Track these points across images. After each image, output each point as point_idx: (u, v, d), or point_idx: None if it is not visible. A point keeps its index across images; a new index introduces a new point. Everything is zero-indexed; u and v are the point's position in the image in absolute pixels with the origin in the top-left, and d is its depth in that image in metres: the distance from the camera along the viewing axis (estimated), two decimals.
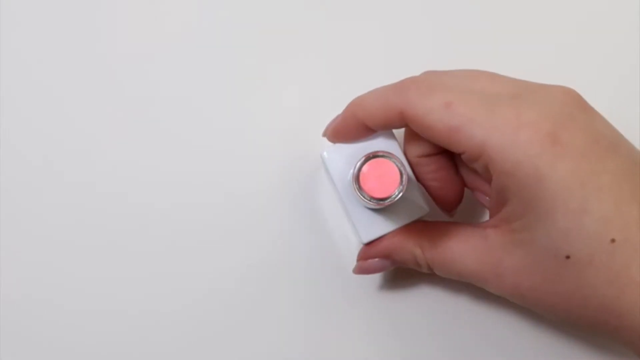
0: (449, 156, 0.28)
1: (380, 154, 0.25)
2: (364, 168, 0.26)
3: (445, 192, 0.28)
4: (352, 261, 0.31)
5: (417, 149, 0.27)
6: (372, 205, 0.31)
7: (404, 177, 0.25)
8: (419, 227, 0.28)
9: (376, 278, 0.33)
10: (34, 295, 0.33)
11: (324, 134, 0.30)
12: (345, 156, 0.30)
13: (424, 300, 0.33)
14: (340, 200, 0.32)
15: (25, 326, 0.33)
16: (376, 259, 0.29)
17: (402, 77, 0.26)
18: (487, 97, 0.23)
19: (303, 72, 0.35)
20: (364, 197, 0.30)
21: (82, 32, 0.35)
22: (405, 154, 0.28)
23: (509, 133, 0.22)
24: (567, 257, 0.22)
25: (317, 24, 0.36)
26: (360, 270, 0.30)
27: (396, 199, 0.26)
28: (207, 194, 0.34)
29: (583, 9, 0.36)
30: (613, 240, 0.21)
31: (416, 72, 0.27)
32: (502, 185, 0.23)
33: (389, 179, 0.26)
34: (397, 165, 0.25)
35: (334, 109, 0.32)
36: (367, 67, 0.35)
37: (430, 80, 0.25)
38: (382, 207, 0.31)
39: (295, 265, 0.34)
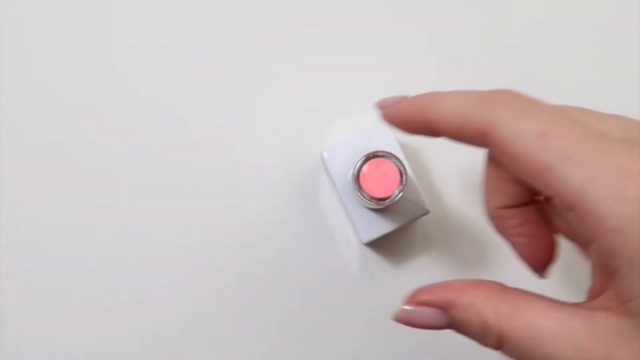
0: (539, 206, 0.24)
1: (380, 153, 0.25)
2: (364, 168, 0.26)
3: (535, 249, 0.23)
4: (352, 261, 0.31)
5: (499, 199, 0.23)
6: (372, 205, 0.31)
7: (404, 177, 0.25)
8: (496, 288, 0.22)
9: (378, 279, 0.34)
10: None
11: (379, 107, 0.25)
12: (345, 156, 0.30)
13: None
14: (340, 200, 0.32)
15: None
16: (430, 309, 0.23)
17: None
18: (593, 132, 0.19)
19: (303, 73, 0.35)
20: (363, 197, 0.30)
21: (83, 37, 0.35)
22: (485, 205, 0.24)
23: (618, 182, 0.18)
24: None
25: (317, 27, 0.36)
26: (404, 318, 0.23)
27: (396, 199, 0.26)
28: (207, 193, 0.34)
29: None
30: None
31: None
32: (608, 249, 0.18)
33: (389, 178, 0.25)
34: (397, 165, 0.25)
35: (333, 109, 0.32)
36: (366, 66, 0.35)
37: (526, 100, 0.21)
38: (382, 207, 0.31)
39: (295, 264, 0.34)
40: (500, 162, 0.21)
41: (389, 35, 0.36)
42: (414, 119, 0.23)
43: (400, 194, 0.25)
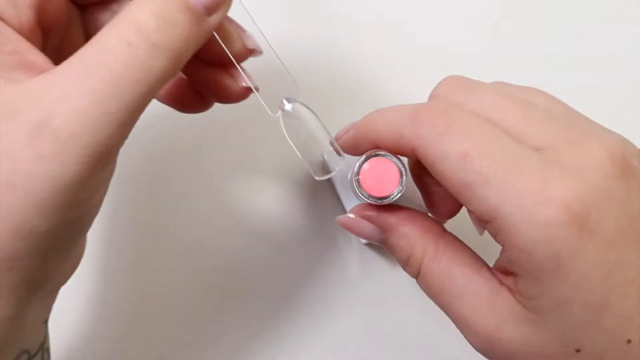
0: None
1: (381, 153, 0.25)
2: (365, 166, 0.26)
3: (443, 206, 0.25)
4: (353, 261, 0.31)
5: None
6: (372, 204, 0.31)
7: (404, 177, 0.25)
8: (434, 229, 0.24)
9: (378, 279, 0.34)
10: None
11: (336, 139, 0.27)
12: (345, 156, 0.30)
13: (428, 301, 0.33)
14: (340, 200, 0.32)
15: None
16: (369, 225, 0.25)
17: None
18: (513, 149, 0.20)
19: (302, 72, 0.35)
20: (363, 195, 0.30)
21: None
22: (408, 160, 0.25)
23: (529, 207, 0.19)
24: (578, 350, 0.20)
25: (316, 27, 0.36)
26: (345, 224, 0.26)
27: (395, 198, 0.26)
28: (206, 193, 0.34)
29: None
30: (629, 341, 0.19)
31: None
32: (514, 260, 0.20)
33: (389, 178, 0.25)
34: (397, 165, 0.25)
35: (332, 109, 0.32)
36: (364, 66, 0.35)
37: (449, 113, 0.21)
38: (381, 206, 0.31)
39: (294, 264, 0.34)
40: (431, 173, 0.22)
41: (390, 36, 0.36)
42: (361, 144, 0.25)
43: (399, 194, 0.25)
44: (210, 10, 0.21)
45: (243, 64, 0.24)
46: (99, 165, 0.19)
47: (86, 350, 0.32)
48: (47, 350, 0.23)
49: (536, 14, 0.38)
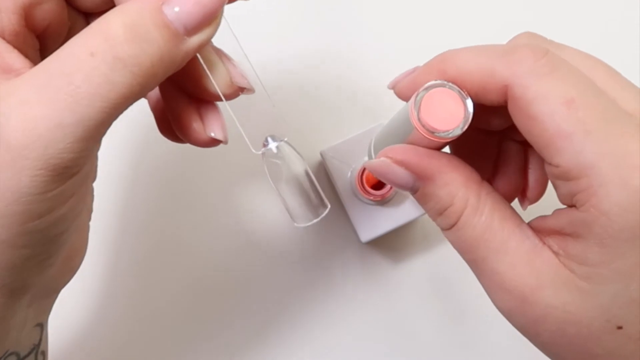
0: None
1: (446, 83, 0.22)
2: (426, 97, 0.22)
3: (534, 190, 0.23)
4: (353, 260, 0.31)
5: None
6: (372, 203, 0.31)
7: (469, 110, 0.22)
8: (475, 178, 0.21)
9: (378, 278, 0.34)
10: None
11: (390, 87, 0.23)
12: (345, 156, 0.30)
13: (428, 301, 0.33)
14: (340, 200, 0.32)
15: None
16: (405, 172, 0.22)
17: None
18: (614, 108, 0.19)
19: (302, 72, 0.35)
20: (364, 189, 0.30)
21: None
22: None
23: (626, 169, 0.18)
24: (619, 327, 0.19)
25: (309, 23, 0.35)
26: (377, 169, 0.22)
27: (457, 134, 0.22)
28: (206, 193, 0.34)
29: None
30: None
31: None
32: (589, 221, 0.18)
33: (451, 111, 0.22)
34: (462, 97, 0.22)
35: (332, 109, 0.32)
36: (359, 65, 0.35)
37: (552, 56, 0.19)
38: (382, 204, 0.31)
39: (294, 264, 0.34)
40: (513, 118, 0.20)
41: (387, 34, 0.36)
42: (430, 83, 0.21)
43: (463, 129, 0.22)
44: (191, 31, 0.19)
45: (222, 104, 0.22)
46: (55, 178, 0.17)
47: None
48: (43, 353, 0.23)
49: (536, 13, 0.37)
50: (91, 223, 0.23)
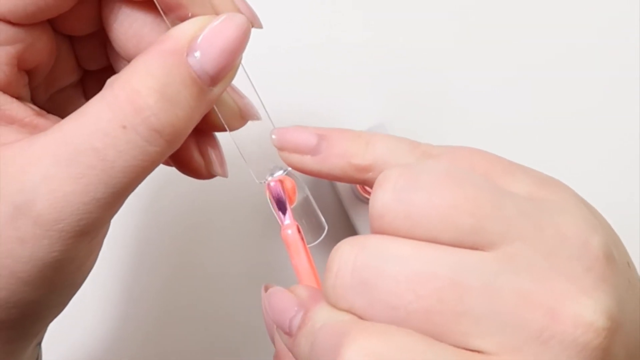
0: None
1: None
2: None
3: None
4: None
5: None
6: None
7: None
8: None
9: None
10: None
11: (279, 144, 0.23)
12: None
13: None
14: (340, 200, 0.32)
15: None
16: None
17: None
18: None
19: (300, 70, 0.35)
20: (364, 191, 0.30)
21: None
22: None
23: None
24: None
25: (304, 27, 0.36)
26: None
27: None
28: (205, 193, 0.34)
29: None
30: None
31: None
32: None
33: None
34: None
35: (331, 109, 0.32)
36: (353, 63, 0.35)
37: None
38: None
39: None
40: None
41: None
42: None
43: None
44: (216, 80, 0.18)
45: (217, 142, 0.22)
46: (85, 239, 0.18)
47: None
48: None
49: (536, 15, 0.37)
50: None
